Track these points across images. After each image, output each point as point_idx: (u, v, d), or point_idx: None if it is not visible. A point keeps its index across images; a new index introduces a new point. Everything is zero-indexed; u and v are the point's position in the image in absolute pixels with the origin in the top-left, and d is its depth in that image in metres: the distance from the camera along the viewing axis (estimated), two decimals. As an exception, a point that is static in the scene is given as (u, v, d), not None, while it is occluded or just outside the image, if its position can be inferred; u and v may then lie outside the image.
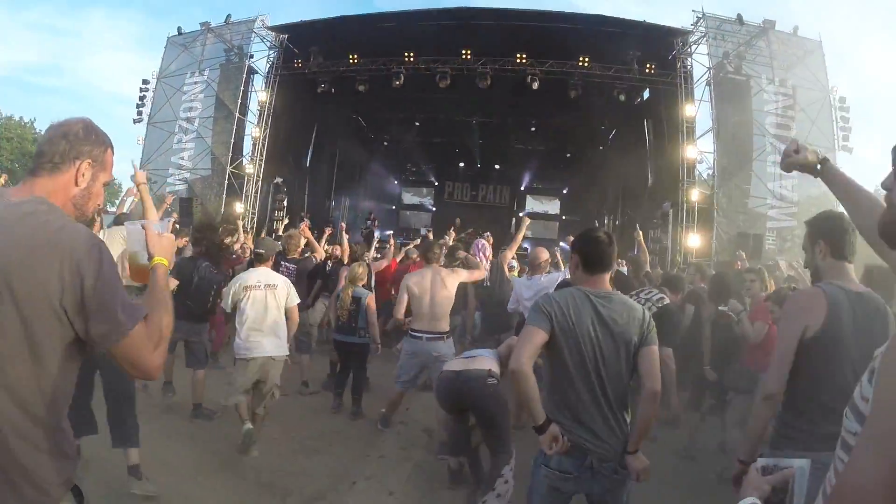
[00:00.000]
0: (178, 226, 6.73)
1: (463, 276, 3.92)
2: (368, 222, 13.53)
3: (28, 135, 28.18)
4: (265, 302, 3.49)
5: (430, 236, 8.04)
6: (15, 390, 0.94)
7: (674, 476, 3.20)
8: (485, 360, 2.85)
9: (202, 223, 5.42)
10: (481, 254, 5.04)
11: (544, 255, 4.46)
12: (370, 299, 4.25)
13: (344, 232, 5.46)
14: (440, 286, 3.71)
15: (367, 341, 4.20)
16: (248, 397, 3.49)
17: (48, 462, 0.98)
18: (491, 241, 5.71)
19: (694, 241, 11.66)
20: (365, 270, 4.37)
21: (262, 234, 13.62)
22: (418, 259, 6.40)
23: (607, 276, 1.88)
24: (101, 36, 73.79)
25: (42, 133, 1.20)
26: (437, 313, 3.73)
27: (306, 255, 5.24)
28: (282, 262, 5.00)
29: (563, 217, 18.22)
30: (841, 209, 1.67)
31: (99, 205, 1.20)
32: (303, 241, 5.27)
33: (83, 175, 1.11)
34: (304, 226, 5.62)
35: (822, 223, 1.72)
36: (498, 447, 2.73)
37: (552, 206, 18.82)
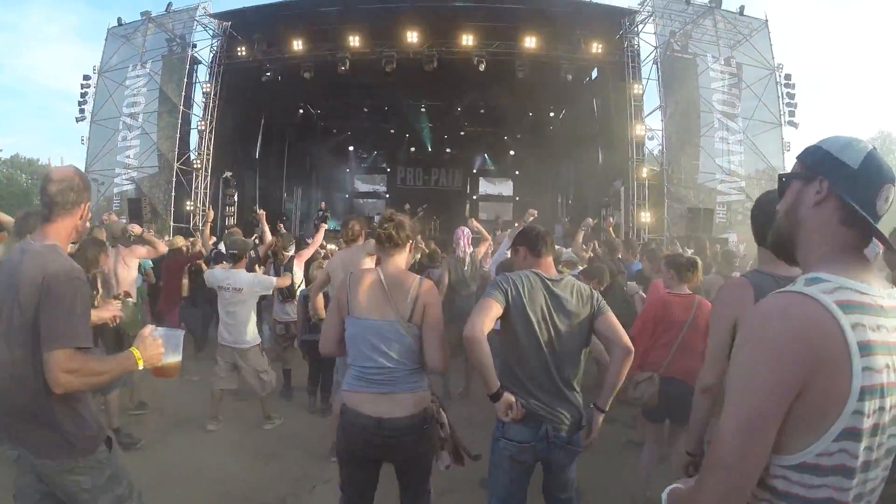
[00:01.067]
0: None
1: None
2: (320, 212, 13.26)
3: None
4: (233, 302, 3.85)
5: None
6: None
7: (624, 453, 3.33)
8: (409, 397, 1.90)
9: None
10: (463, 241, 4.82)
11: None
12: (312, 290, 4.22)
13: (264, 220, 5.21)
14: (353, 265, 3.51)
15: None
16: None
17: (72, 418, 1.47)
18: (476, 226, 5.55)
19: (646, 217, 11.81)
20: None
21: (229, 231, 13.27)
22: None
23: (551, 260, 2.08)
24: (39, 29, 70.17)
25: (43, 180, 1.58)
26: None
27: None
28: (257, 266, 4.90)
29: (517, 198, 18.26)
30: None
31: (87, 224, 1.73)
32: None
33: (85, 213, 1.61)
34: (262, 215, 5.42)
35: (755, 209, 1.68)
36: (420, 491, 2.03)
37: (506, 188, 18.85)
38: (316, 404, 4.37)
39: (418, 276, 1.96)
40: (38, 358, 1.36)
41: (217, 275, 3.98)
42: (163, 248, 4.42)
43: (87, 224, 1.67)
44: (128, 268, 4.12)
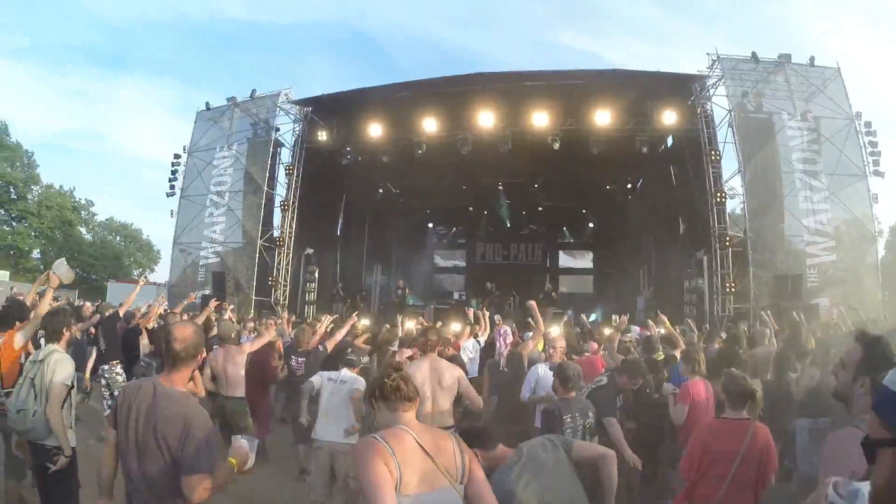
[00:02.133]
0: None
1: (463, 382, 3.48)
2: (399, 290, 13.63)
3: (67, 203, 29.46)
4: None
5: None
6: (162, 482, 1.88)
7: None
8: None
9: None
10: (502, 340, 4.78)
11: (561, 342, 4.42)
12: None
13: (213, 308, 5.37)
14: (437, 382, 3.36)
15: None
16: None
17: None
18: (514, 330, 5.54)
19: (731, 288, 11.38)
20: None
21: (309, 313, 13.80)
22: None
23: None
24: (135, 104, 78.47)
25: (167, 336, 1.98)
26: (439, 409, 3.39)
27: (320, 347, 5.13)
28: (292, 356, 5.03)
29: (598, 270, 18.10)
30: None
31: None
32: (319, 331, 5.18)
33: (201, 359, 2.04)
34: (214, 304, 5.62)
35: (881, 357, 1.40)
36: None
37: (585, 261, 18.74)
38: None
39: (446, 431, 1.82)
40: (177, 478, 1.81)
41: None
42: (269, 336, 4.62)
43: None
44: (237, 366, 4.27)
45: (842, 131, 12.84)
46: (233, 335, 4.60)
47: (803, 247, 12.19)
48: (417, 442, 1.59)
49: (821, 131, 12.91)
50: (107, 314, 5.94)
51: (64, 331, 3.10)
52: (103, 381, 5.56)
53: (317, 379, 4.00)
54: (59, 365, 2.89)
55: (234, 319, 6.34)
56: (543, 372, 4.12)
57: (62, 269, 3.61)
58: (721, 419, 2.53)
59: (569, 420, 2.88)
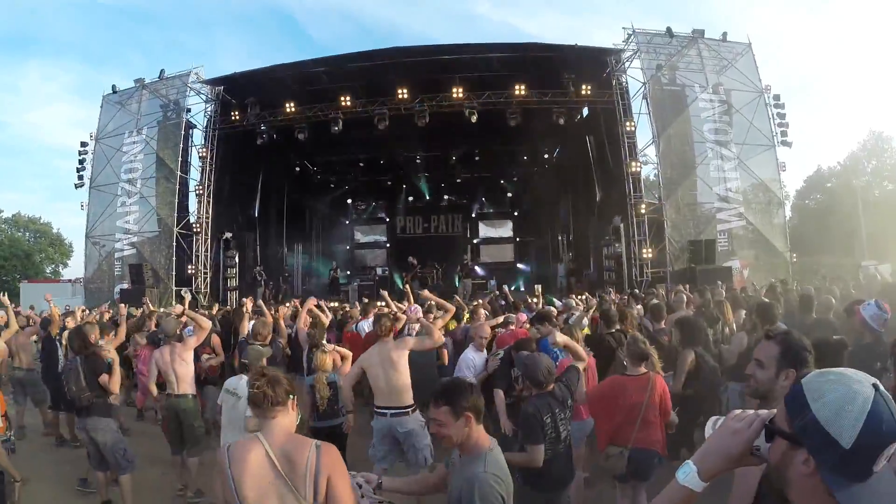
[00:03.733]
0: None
1: (410, 343, 3.69)
2: (332, 272, 13.28)
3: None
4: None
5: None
6: None
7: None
8: None
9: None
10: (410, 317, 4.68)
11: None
12: (343, 379, 4.10)
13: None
14: (390, 365, 3.54)
15: (344, 419, 4.02)
16: None
17: None
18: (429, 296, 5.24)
19: (647, 253, 11.74)
20: (331, 357, 4.12)
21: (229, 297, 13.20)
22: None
23: None
24: (38, 88, 71.72)
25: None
26: (395, 387, 3.54)
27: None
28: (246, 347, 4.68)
29: (517, 239, 18.33)
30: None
31: None
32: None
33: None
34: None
35: (799, 350, 1.48)
36: None
37: (505, 230, 18.94)
38: None
39: (313, 442, 1.61)
40: None
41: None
42: (206, 324, 4.37)
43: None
44: (186, 364, 4.07)
45: (751, 103, 13.45)
46: (177, 331, 4.34)
47: (715, 212, 12.76)
48: (267, 453, 1.55)
49: (731, 103, 13.48)
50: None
51: None
52: None
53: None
54: None
55: (248, 310, 5.82)
56: (473, 355, 4.08)
57: None
58: (625, 375, 3.02)
59: (549, 421, 2.54)
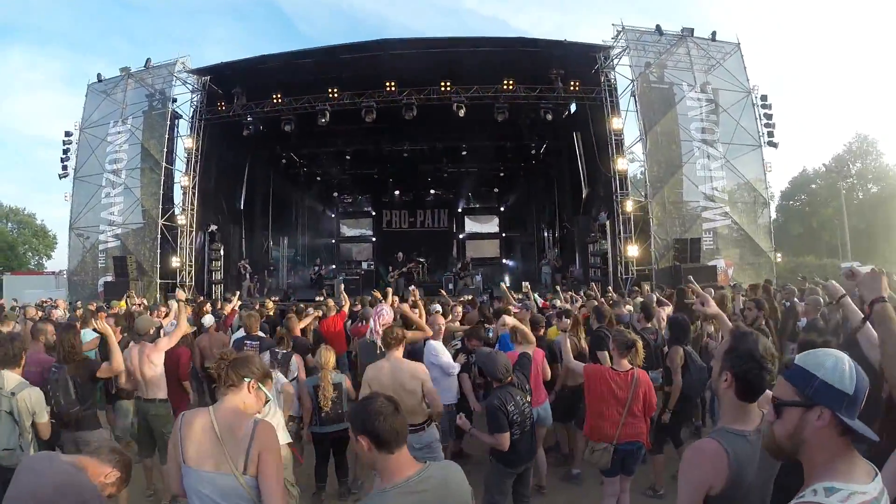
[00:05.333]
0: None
1: (427, 385, 3.18)
2: (316, 268, 13.20)
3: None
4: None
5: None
6: None
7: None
8: None
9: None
10: (376, 319, 4.46)
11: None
12: (348, 381, 4.00)
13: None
14: (400, 385, 3.09)
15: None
16: None
17: None
18: (416, 296, 5.07)
19: (633, 251, 11.80)
20: (332, 354, 3.97)
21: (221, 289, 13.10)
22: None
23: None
24: (21, 75, 69.90)
25: None
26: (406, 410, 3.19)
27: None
28: (245, 342, 4.66)
29: (504, 234, 18.29)
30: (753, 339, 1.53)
31: None
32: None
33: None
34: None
35: (735, 353, 1.51)
36: None
37: (491, 225, 18.90)
38: (321, 496, 4.05)
39: (254, 418, 1.77)
40: None
41: None
42: (187, 329, 4.25)
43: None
44: (153, 365, 3.85)
45: (739, 103, 13.56)
46: (151, 331, 4.14)
47: (700, 211, 12.85)
48: (212, 423, 1.74)
49: (719, 102, 13.57)
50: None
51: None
52: None
53: None
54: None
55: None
56: (436, 349, 3.98)
57: None
58: (613, 370, 3.17)
59: (513, 408, 2.83)
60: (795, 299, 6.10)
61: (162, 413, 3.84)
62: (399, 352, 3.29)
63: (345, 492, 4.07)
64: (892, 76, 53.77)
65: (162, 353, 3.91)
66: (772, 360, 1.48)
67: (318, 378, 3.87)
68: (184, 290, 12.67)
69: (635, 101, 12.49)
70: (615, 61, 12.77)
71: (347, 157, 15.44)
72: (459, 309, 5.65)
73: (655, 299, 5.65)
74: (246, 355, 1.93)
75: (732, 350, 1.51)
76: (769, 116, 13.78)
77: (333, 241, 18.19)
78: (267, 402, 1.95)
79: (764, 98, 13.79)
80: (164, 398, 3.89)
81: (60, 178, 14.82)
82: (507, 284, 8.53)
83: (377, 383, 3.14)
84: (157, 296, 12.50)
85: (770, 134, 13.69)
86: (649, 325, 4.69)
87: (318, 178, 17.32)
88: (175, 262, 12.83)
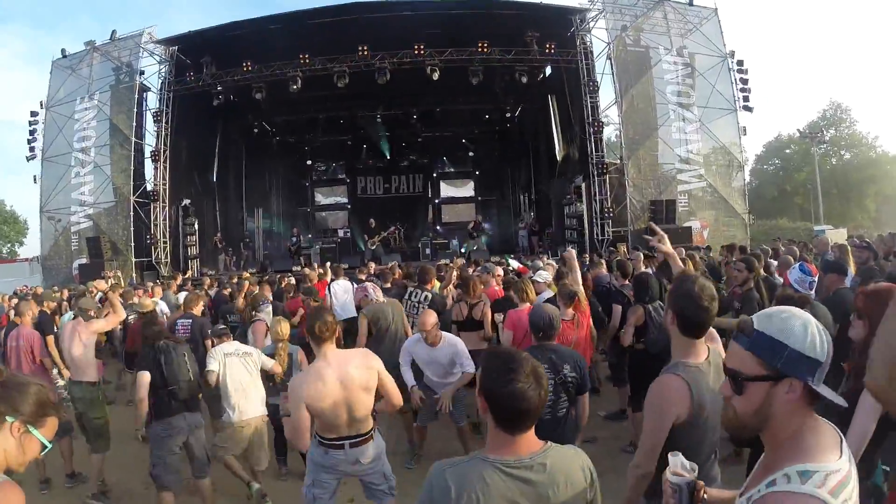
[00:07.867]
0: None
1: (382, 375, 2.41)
2: (294, 238, 13.05)
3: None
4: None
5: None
6: None
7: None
8: None
9: None
10: (372, 292, 4.25)
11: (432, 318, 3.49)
12: (301, 354, 3.77)
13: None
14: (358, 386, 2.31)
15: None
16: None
17: None
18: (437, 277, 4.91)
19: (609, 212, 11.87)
20: (288, 325, 3.86)
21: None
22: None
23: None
24: None
25: None
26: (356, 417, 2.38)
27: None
28: (178, 322, 4.53)
29: (479, 198, 18.26)
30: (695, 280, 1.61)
31: None
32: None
33: None
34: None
35: (676, 292, 1.62)
36: None
37: (467, 189, 18.74)
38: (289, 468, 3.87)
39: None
40: None
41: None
42: (122, 314, 4.08)
43: None
44: (84, 347, 3.67)
45: (715, 68, 13.60)
46: (92, 312, 3.91)
47: (675, 174, 12.97)
48: None
49: (695, 67, 13.61)
50: None
51: None
52: None
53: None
54: None
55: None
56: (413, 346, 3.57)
57: None
58: (562, 320, 3.30)
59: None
60: (770, 259, 6.21)
61: (87, 396, 3.69)
62: (334, 344, 2.40)
63: (284, 470, 3.87)
64: (868, 45, 54.49)
65: (94, 335, 3.78)
66: (710, 300, 1.55)
67: (274, 349, 3.76)
68: (159, 266, 12.54)
69: (611, 64, 12.47)
70: (591, 24, 12.70)
71: (320, 125, 15.18)
72: (454, 273, 5.71)
73: (642, 257, 5.70)
74: (18, 381, 1.18)
75: (674, 291, 1.65)
76: (745, 81, 13.85)
77: (308, 209, 17.93)
78: (45, 450, 1.18)
79: (740, 63, 13.85)
80: (93, 381, 3.74)
81: (28, 160, 14.39)
82: (484, 248, 8.54)
83: (320, 398, 2.21)
84: (133, 275, 12.29)
85: (746, 98, 13.78)
86: (627, 282, 4.79)
87: (291, 147, 16.99)
88: (149, 238, 12.59)
